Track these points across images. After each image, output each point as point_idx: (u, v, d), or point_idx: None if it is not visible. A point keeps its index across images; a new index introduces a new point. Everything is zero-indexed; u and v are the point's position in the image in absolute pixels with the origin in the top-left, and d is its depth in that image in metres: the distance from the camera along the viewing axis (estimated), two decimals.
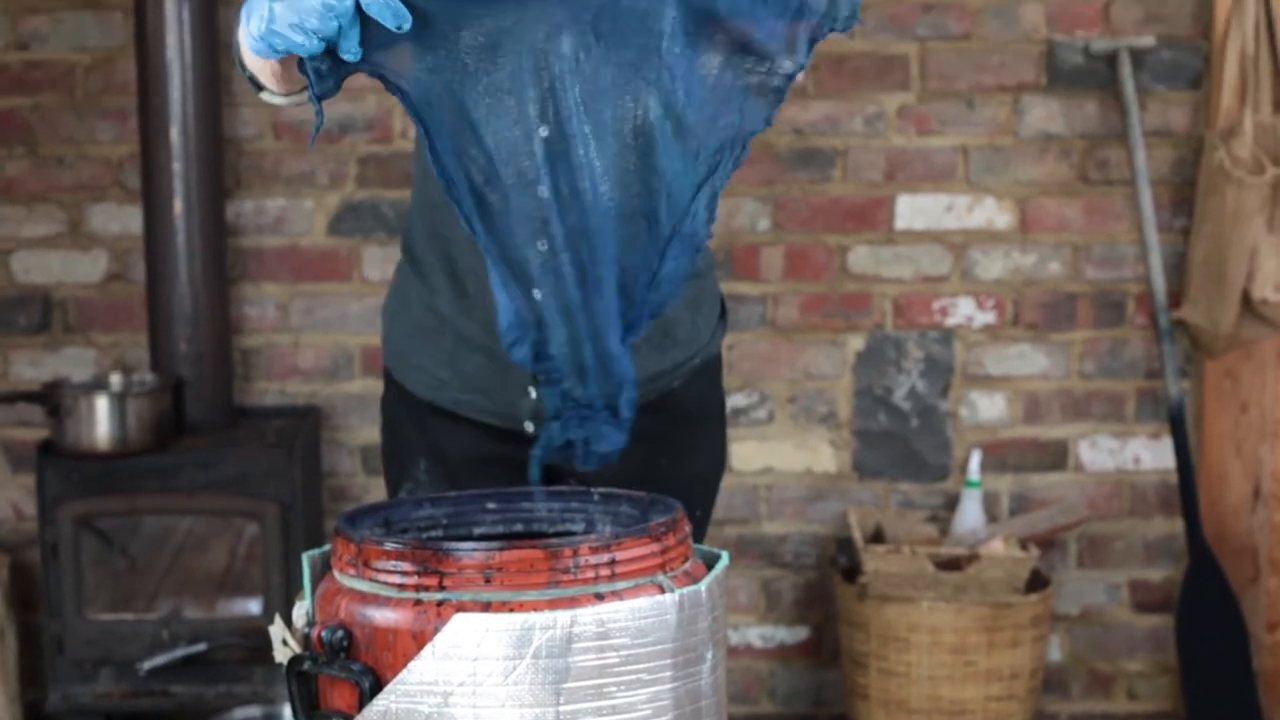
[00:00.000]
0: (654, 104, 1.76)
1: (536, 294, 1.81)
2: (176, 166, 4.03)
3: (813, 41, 1.78)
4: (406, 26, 1.67)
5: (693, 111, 1.77)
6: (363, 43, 1.69)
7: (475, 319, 2.32)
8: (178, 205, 4.04)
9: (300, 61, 1.71)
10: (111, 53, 4.26)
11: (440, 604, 1.60)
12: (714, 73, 1.76)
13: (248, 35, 1.70)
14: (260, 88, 1.93)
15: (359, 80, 4.16)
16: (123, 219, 4.29)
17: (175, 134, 4.02)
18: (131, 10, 4.11)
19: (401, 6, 1.66)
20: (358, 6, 1.65)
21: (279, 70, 1.83)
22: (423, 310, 2.37)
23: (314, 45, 1.66)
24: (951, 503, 4.35)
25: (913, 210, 4.31)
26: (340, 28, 1.66)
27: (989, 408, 4.37)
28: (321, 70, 1.71)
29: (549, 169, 1.77)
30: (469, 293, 2.32)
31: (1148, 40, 4.22)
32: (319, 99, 1.72)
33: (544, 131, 1.76)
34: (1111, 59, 4.22)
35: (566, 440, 1.87)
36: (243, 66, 1.92)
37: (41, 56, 4.26)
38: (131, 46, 4.15)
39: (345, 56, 1.68)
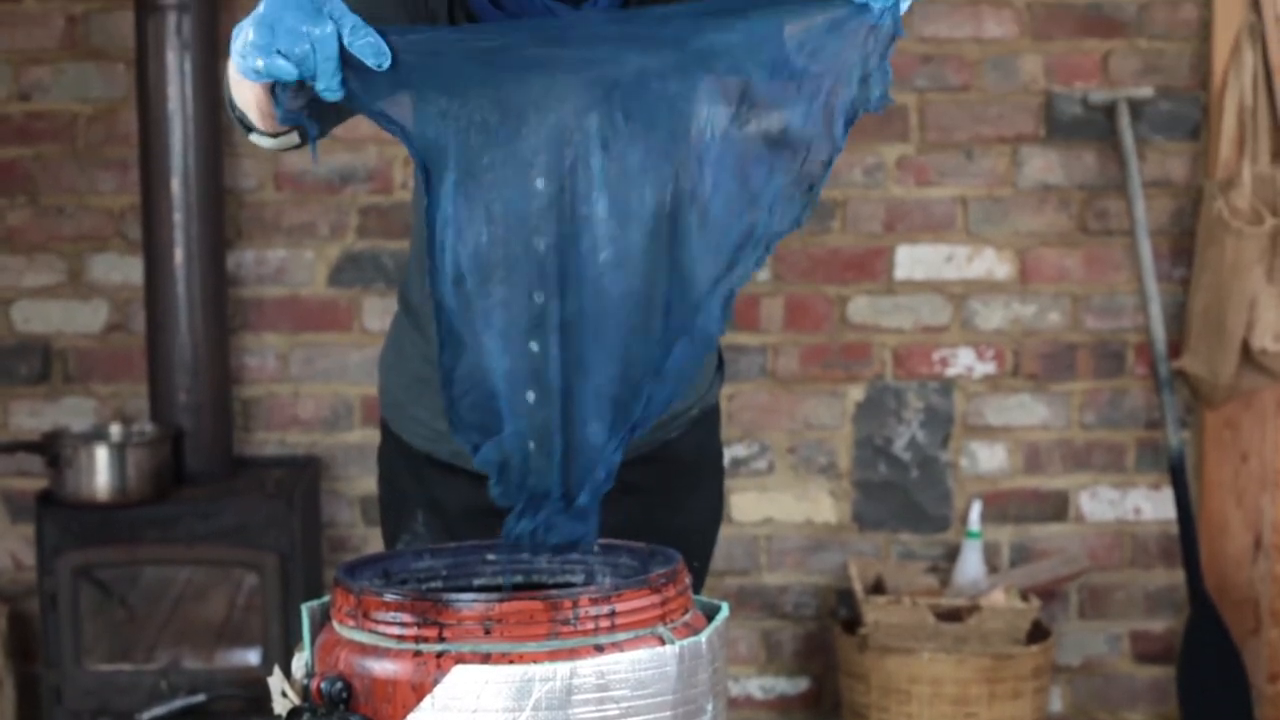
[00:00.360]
0: (678, 191, 1.75)
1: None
2: (177, 217, 4.04)
3: (848, 123, 1.76)
4: (385, 64, 1.67)
5: (719, 203, 1.75)
6: (357, 81, 1.69)
7: None
8: (178, 255, 4.05)
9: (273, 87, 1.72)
10: (113, 104, 4.27)
11: (440, 655, 1.60)
12: (746, 163, 1.75)
13: (234, 54, 1.72)
14: (249, 129, 1.93)
15: (359, 131, 4.19)
16: (123, 269, 4.30)
17: (176, 185, 4.03)
18: (133, 62, 4.13)
19: (382, 44, 1.67)
20: (341, 45, 1.67)
21: (262, 101, 1.82)
22: (420, 362, 2.37)
23: (288, 71, 1.67)
24: (952, 553, 4.34)
25: (912, 261, 4.31)
26: (314, 59, 1.67)
27: (989, 458, 4.37)
28: (291, 98, 1.71)
29: (555, 246, 1.77)
30: None
31: (1146, 91, 4.23)
32: (309, 121, 1.73)
33: (554, 216, 1.76)
34: (1110, 110, 4.24)
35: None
36: (232, 106, 1.92)
37: (44, 107, 4.28)
38: (133, 98, 4.16)
39: (324, 95, 1.69)
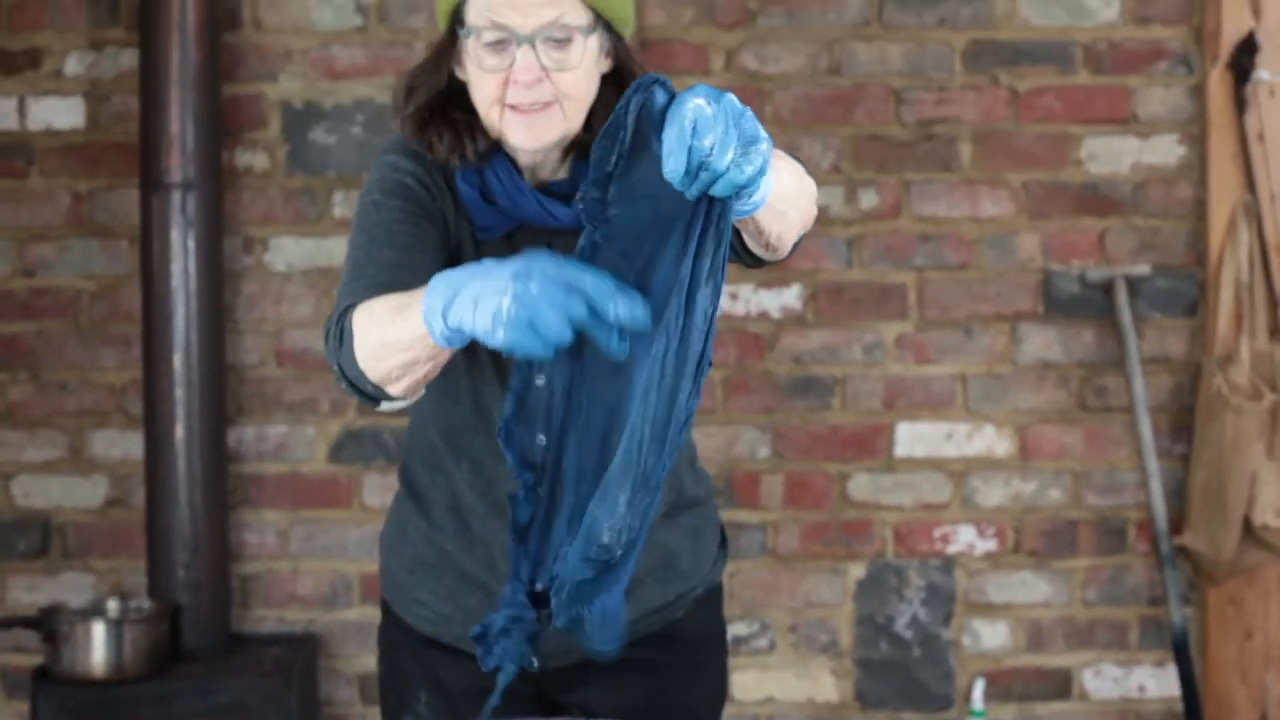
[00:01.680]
0: None
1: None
2: (179, 393, 4.05)
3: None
4: (646, 323, 1.73)
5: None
6: None
7: (477, 556, 2.32)
8: (179, 431, 4.05)
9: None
10: (117, 280, 4.29)
11: None
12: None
13: (444, 324, 1.78)
14: (377, 400, 2.03)
15: None
16: (124, 444, 4.30)
17: (178, 361, 4.04)
18: (137, 239, 4.16)
19: (639, 306, 1.71)
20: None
21: (433, 368, 1.95)
22: (423, 545, 2.37)
23: (549, 350, 1.72)
24: None
25: (912, 438, 4.32)
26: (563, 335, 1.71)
27: (992, 636, 4.34)
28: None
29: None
30: (472, 530, 2.32)
31: (1143, 269, 4.26)
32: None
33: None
34: (1108, 287, 4.26)
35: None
36: (358, 382, 2.02)
37: (47, 283, 4.30)
38: (137, 274, 4.19)
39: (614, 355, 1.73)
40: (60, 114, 4.29)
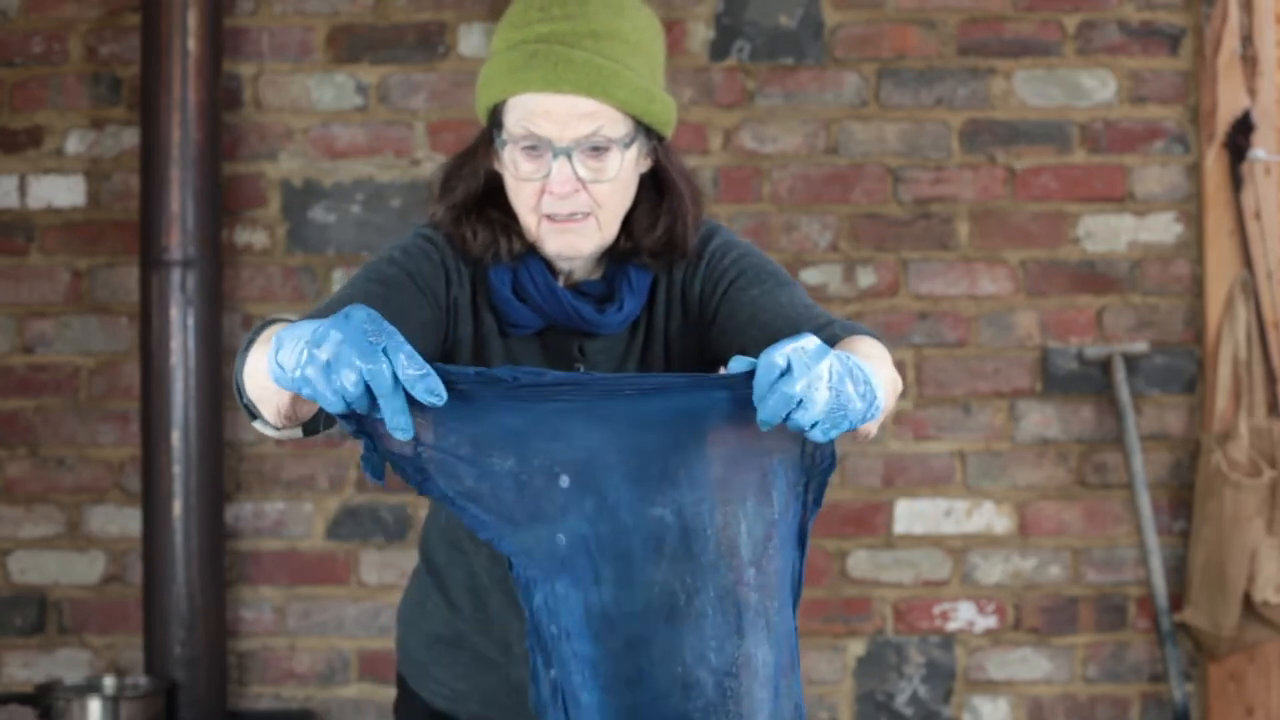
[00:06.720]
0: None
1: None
2: (177, 469, 4.05)
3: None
4: (440, 402, 1.65)
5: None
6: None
7: (493, 639, 2.32)
8: (177, 508, 4.05)
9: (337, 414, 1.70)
10: (116, 357, 4.30)
11: None
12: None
13: (275, 363, 1.70)
14: (255, 416, 1.92)
15: None
16: (121, 521, 4.29)
17: (176, 437, 4.05)
18: (137, 316, 4.17)
19: (437, 381, 1.65)
20: (396, 381, 1.64)
21: (284, 404, 1.82)
22: (440, 622, 2.37)
23: (338, 405, 1.65)
24: None
25: (911, 515, 4.31)
26: (364, 397, 1.64)
27: (992, 713, 4.32)
28: (353, 424, 1.72)
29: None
30: (489, 612, 2.32)
31: (1141, 346, 4.27)
32: (363, 437, 1.72)
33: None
34: (1105, 365, 4.27)
35: None
36: (240, 392, 1.91)
37: (47, 359, 4.31)
38: (136, 351, 4.20)
39: (397, 434, 1.67)
40: (61, 192, 4.31)
